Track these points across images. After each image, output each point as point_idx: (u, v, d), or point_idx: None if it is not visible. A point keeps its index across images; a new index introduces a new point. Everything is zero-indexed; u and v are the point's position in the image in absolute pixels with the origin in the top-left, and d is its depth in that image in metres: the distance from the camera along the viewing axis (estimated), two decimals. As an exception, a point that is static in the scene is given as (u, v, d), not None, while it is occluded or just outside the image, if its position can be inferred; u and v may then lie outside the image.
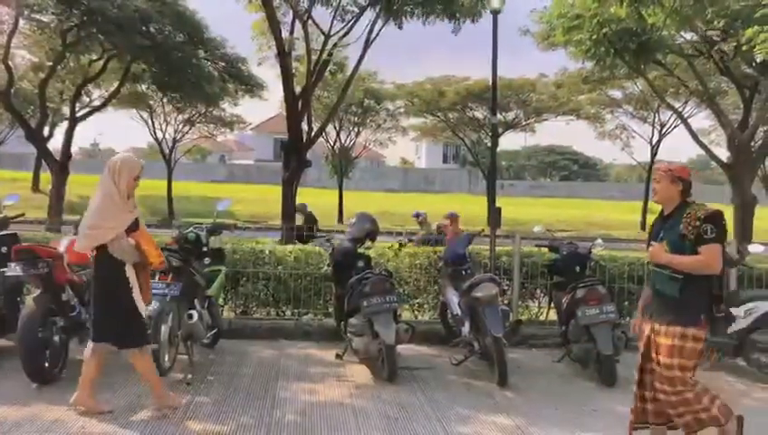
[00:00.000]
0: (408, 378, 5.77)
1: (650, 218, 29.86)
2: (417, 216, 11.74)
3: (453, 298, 6.43)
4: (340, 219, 27.19)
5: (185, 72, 16.40)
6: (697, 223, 3.83)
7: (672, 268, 3.91)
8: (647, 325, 4.09)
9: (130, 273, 4.49)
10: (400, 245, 8.16)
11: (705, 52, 13.11)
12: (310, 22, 14.10)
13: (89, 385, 4.56)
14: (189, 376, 5.43)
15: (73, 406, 4.56)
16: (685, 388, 3.90)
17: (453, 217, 7.56)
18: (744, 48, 10.80)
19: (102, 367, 4.65)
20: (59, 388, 5.01)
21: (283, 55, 13.18)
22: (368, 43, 13.90)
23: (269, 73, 17.11)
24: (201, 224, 6.64)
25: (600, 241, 7.26)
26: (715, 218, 3.85)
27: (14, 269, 5.30)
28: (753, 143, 13.63)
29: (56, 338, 5.20)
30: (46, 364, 5.10)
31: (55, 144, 21.08)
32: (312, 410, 4.91)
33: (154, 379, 4.68)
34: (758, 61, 11.91)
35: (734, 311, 6.16)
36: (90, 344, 4.58)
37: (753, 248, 7.38)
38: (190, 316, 5.56)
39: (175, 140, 29.08)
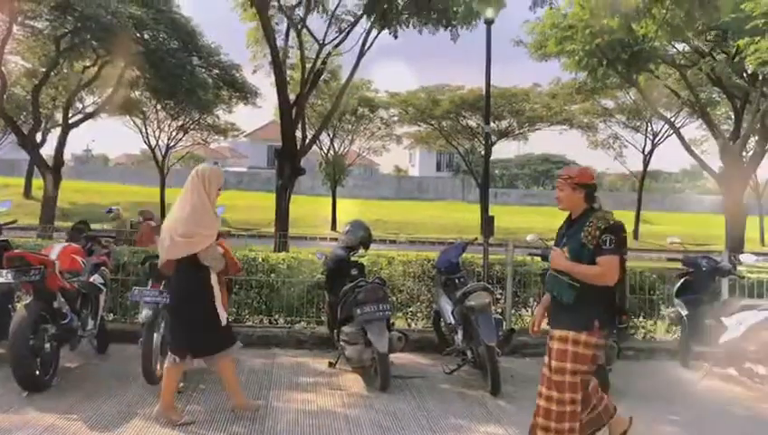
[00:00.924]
0: (401, 387, 5.76)
1: (644, 228, 30.10)
2: (110, 211, 11.80)
3: (446, 307, 6.43)
4: (334, 227, 27.21)
5: (179, 78, 16.41)
6: (597, 233, 3.83)
7: (571, 275, 3.91)
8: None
9: (215, 281, 4.57)
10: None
11: (696, 62, 13.22)
12: (304, 30, 14.13)
13: (238, 388, 4.79)
14: (181, 384, 5.39)
15: (238, 410, 4.78)
16: (571, 397, 3.87)
17: (146, 215, 7.54)
18: (735, 59, 10.91)
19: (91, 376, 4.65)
20: (50, 396, 4.98)
21: (278, 63, 13.22)
22: (362, 52, 13.97)
23: (264, 81, 17.09)
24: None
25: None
26: (615, 229, 3.85)
27: (5, 276, 5.27)
28: (744, 153, 13.73)
29: (47, 345, 5.16)
30: (37, 372, 5.07)
31: (48, 150, 20.99)
32: (304, 419, 4.89)
33: (174, 390, 4.73)
34: (749, 72, 12.04)
35: (725, 320, 6.20)
36: (192, 360, 4.67)
37: (745, 258, 7.43)
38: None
39: (168, 147, 29.01)
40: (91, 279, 6.04)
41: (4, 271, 5.27)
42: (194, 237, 4.44)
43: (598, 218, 3.88)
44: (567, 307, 3.92)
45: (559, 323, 3.97)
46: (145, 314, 5.31)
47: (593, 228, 3.84)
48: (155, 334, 5.33)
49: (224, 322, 4.64)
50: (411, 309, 7.76)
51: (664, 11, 10.48)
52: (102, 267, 6.34)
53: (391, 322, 6.18)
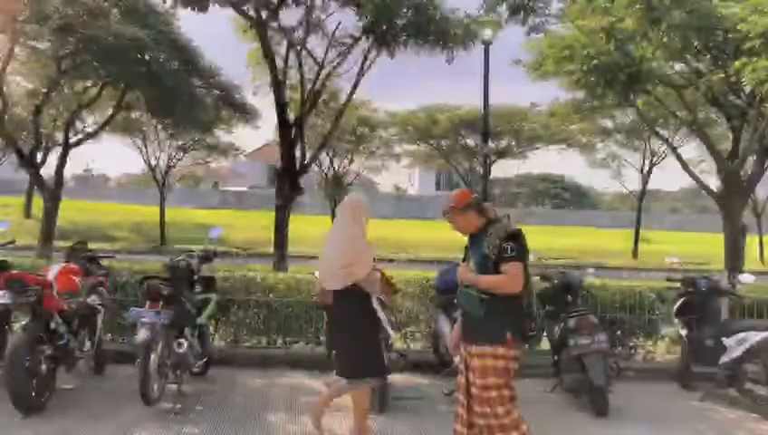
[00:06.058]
0: (399, 408, 5.71)
1: (643, 247, 30.06)
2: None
3: (445, 328, 6.39)
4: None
5: (179, 99, 16.44)
6: (497, 242, 3.88)
7: (478, 288, 3.94)
8: (463, 347, 4.13)
9: (377, 304, 4.71)
10: None
11: (694, 82, 13.28)
12: (304, 52, 14.23)
13: (364, 416, 4.80)
14: (178, 406, 5.36)
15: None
16: (503, 409, 3.89)
17: None
18: (733, 79, 10.96)
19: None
20: (45, 417, 4.95)
21: (278, 85, 13.31)
22: (361, 73, 14.05)
23: (264, 101, 17.12)
24: (193, 251, 6.63)
25: (592, 270, 7.26)
26: (516, 237, 3.92)
27: (2, 297, 5.25)
28: (742, 173, 13.74)
29: (43, 367, 5.14)
30: (33, 393, 5.03)
31: (48, 170, 21.01)
32: (302, 440, 4.85)
33: (365, 414, 4.83)
34: (746, 91, 12.09)
35: (725, 341, 6.17)
36: (344, 382, 4.76)
37: (744, 278, 7.40)
38: (180, 344, 5.52)
39: (168, 167, 29.09)
40: (89, 300, 6.02)
41: (1, 292, 5.25)
42: (353, 267, 4.60)
43: (497, 228, 3.96)
44: (479, 322, 3.96)
45: (475, 339, 3.99)
46: (142, 334, 5.27)
47: (494, 238, 3.91)
48: (152, 355, 5.28)
49: (390, 337, 4.93)
50: (410, 329, 7.72)
51: (660, 33, 10.55)
52: (100, 288, 6.33)
53: (390, 342, 6.14)
